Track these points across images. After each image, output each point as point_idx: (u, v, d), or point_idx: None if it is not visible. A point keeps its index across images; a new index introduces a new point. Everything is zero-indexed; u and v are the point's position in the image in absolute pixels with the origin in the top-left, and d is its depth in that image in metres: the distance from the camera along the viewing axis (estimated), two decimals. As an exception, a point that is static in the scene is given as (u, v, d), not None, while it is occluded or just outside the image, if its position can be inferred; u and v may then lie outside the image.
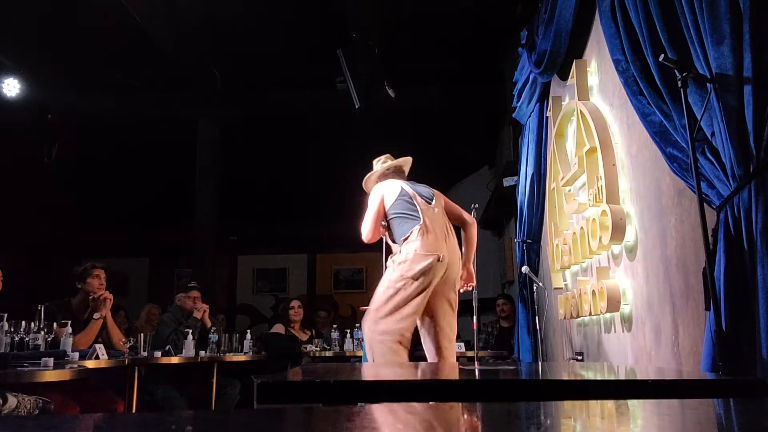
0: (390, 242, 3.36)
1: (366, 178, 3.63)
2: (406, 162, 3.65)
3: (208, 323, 4.78)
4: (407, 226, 3.19)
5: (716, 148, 1.93)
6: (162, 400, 4.27)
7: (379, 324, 3.00)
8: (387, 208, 3.31)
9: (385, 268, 3.27)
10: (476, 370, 1.76)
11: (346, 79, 5.66)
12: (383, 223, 3.36)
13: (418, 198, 3.31)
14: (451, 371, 1.74)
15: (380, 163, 3.64)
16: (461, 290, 3.42)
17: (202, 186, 6.83)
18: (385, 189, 3.37)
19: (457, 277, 3.23)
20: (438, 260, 3.06)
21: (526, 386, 1.33)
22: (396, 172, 3.57)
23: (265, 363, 5.06)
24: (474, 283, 3.51)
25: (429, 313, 3.17)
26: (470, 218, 3.58)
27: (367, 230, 3.31)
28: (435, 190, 3.50)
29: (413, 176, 3.65)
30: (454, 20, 5.66)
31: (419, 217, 3.19)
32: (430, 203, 3.34)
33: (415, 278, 3.01)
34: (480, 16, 5.56)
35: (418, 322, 3.20)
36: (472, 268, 3.49)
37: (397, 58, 5.95)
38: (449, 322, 3.22)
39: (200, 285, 5.13)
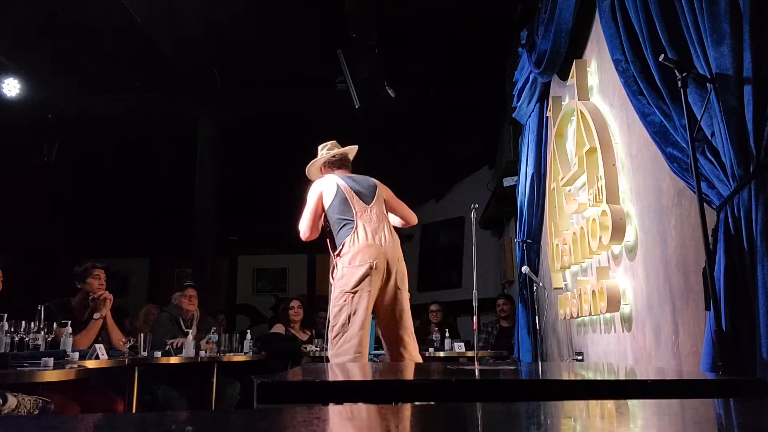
0: (330, 250, 3.31)
1: (309, 165, 3.55)
2: (352, 150, 3.58)
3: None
4: (341, 236, 3.16)
5: (716, 148, 1.93)
6: (162, 400, 4.27)
7: (335, 346, 3.01)
8: (326, 207, 3.26)
9: (330, 285, 3.25)
10: (476, 370, 1.76)
11: (346, 79, 5.66)
12: (323, 224, 3.33)
13: (355, 199, 3.25)
14: (451, 372, 1.74)
15: (326, 150, 3.54)
16: None
17: (202, 186, 6.83)
18: (323, 186, 3.30)
19: (401, 275, 3.18)
20: (372, 268, 3.04)
21: (526, 386, 1.33)
22: (341, 162, 3.49)
23: (265, 363, 5.06)
24: None
25: (380, 315, 3.17)
26: (414, 220, 3.59)
27: (304, 228, 3.27)
28: (378, 183, 3.42)
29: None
30: (454, 20, 5.66)
31: (353, 223, 3.16)
32: (368, 203, 3.27)
33: (353, 292, 3.02)
34: (480, 16, 5.56)
35: (376, 328, 3.24)
36: None
37: (396, 58, 5.95)
38: (404, 319, 3.18)
39: (200, 285, 5.12)
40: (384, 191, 3.43)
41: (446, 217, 8.67)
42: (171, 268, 9.47)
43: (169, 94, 6.94)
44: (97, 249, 7.04)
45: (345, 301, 3.02)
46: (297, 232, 3.38)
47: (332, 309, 3.07)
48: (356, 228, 3.13)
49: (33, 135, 7.12)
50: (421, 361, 3.39)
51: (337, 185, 3.26)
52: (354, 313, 2.99)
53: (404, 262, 3.25)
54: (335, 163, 3.50)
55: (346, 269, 3.06)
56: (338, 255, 3.13)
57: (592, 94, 3.41)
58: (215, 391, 4.49)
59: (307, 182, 3.55)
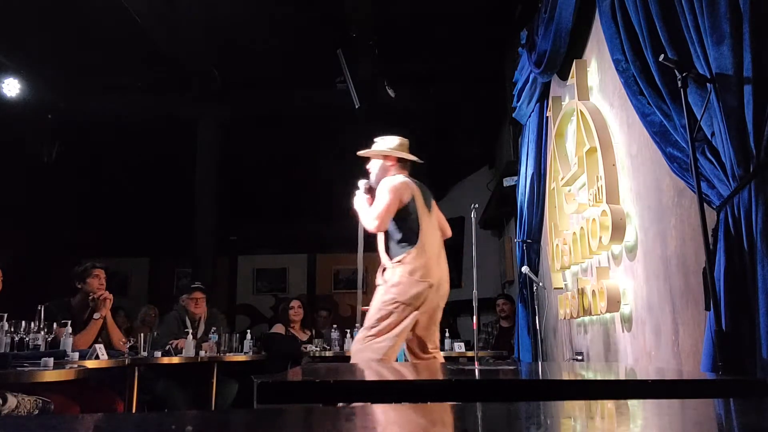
0: (384, 250, 3.24)
1: (378, 151, 3.40)
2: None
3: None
4: (404, 244, 3.14)
5: (716, 148, 1.93)
6: (161, 400, 4.27)
7: (367, 343, 3.02)
8: (404, 206, 3.19)
9: (379, 283, 3.21)
10: (476, 370, 1.76)
11: (346, 79, 5.66)
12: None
13: (423, 210, 3.24)
14: (451, 371, 1.74)
15: (398, 144, 3.42)
16: None
17: (202, 186, 6.84)
18: (404, 188, 3.22)
19: (445, 296, 3.24)
20: (430, 287, 3.08)
21: (526, 386, 1.33)
22: (409, 166, 3.43)
23: (265, 363, 5.06)
24: None
25: (416, 330, 3.19)
26: (449, 233, 3.52)
27: (379, 221, 3.13)
28: (426, 188, 3.41)
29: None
30: (454, 20, 5.66)
31: (417, 235, 3.15)
32: (430, 216, 3.28)
33: (407, 303, 3.04)
34: (480, 16, 5.56)
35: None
36: None
37: (397, 58, 5.95)
38: (434, 336, 3.29)
39: (201, 285, 5.12)
40: (435, 203, 3.45)
41: (446, 217, 8.64)
42: (171, 268, 9.46)
43: (169, 94, 6.94)
44: (97, 249, 7.04)
45: (396, 308, 3.03)
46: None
47: (377, 311, 3.06)
48: (421, 241, 3.14)
49: (33, 135, 7.12)
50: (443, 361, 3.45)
51: (413, 193, 3.23)
52: (399, 323, 3.02)
53: None
54: (407, 166, 3.42)
55: (405, 279, 3.06)
56: (399, 262, 3.11)
57: (592, 94, 3.41)
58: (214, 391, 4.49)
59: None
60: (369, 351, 2.99)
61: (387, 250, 3.22)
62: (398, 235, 3.18)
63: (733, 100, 1.81)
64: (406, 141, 3.47)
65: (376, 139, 3.47)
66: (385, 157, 3.40)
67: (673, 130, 2.17)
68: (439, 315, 3.26)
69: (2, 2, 4.99)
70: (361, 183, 3.40)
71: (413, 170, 3.45)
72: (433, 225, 3.29)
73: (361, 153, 3.45)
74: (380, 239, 3.25)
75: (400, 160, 3.39)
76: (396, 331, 3.01)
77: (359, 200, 3.35)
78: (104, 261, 3.90)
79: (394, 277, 3.10)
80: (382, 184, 3.23)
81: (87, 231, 8.25)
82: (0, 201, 6.44)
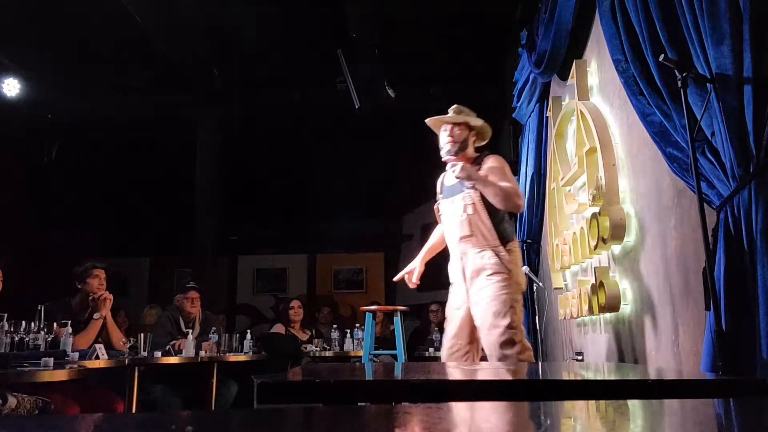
0: (492, 232, 2.87)
1: (479, 121, 3.09)
2: None
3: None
4: (509, 228, 2.94)
5: (716, 148, 1.93)
6: (161, 400, 4.27)
7: (519, 343, 2.75)
8: None
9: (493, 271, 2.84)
10: (476, 370, 1.76)
11: (346, 79, 5.66)
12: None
13: None
14: (451, 371, 1.74)
15: (483, 123, 3.11)
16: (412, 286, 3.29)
17: (202, 186, 6.84)
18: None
19: None
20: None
21: (526, 386, 1.33)
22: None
23: (265, 363, 5.06)
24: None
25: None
26: None
27: (521, 199, 2.92)
28: None
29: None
30: (454, 20, 5.66)
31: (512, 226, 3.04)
32: None
33: (523, 293, 2.92)
34: (480, 16, 5.56)
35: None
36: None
37: (397, 58, 5.95)
38: None
39: (200, 285, 5.12)
40: None
41: (446, 217, 8.65)
42: (171, 268, 9.46)
43: (169, 94, 6.94)
44: (97, 249, 7.03)
45: (522, 296, 2.87)
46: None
47: (511, 302, 2.76)
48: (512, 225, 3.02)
49: (33, 135, 7.12)
50: None
51: None
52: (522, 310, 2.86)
53: None
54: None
55: (517, 269, 2.86)
56: (510, 249, 2.88)
57: (592, 94, 3.41)
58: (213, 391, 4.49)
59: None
60: (522, 354, 2.71)
61: (501, 234, 2.88)
62: (504, 218, 2.94)
63: (733, 100, 1.81)
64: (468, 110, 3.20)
65: (458, 108, 3.14)
66: (467, 128, 3.07)
67: (673, 130, 2.17)
68: None
69: (3, 3, 4.99)
70: (446, 153, 3.05)
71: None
72: None
73: (437, 119, 3.08)
74: (486, 222, 2.86)
75: (478, 135, 3.13)
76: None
77: (474, 172, 2.90)
78: (104, 261, 3.90)
79: (512, 263, 2.85)
80: (491, 160, 2.94)
81: (87, 231, 8.25)
82: (0, 201, 6.44)
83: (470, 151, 3.07)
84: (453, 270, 3.03)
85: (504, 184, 2.84)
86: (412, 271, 3.26)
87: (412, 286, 3.27)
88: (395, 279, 3.33)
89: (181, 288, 4.96)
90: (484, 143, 3.17)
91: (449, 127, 3.05)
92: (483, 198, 2.85)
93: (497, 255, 2.85)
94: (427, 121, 3.10)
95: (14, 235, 6.96)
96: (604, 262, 3.21)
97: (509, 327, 2.73)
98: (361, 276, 9.50)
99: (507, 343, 2.71)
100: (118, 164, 7.88)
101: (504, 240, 2.87)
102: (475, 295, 2.85)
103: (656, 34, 2.22)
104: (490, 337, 2.75)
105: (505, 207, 2.85)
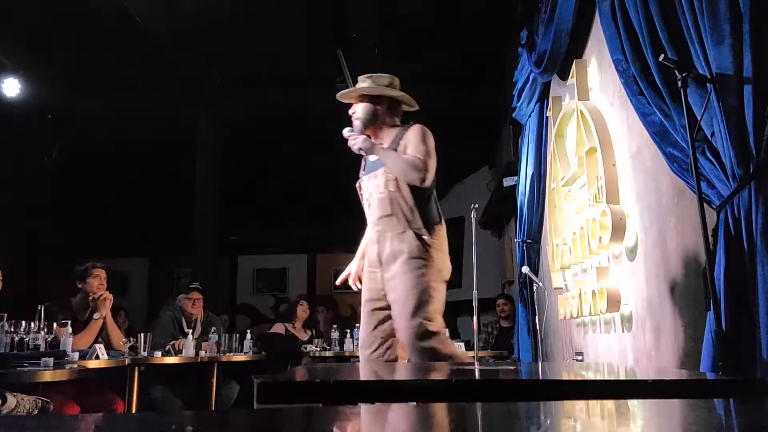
0: (413, 212, 2.61)
1: (374, 89, 2.76)
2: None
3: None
4: (434, 209, 2.66)
5: (716, 148, 1.93)
6: (161, 400, 4.27)
7: (435, 336, 2.50)
8: None
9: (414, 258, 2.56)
10: (476, 370, 1.76)
11: (346, 79, 5.66)
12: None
13: None
14: (451, 371, 1.74)
15: (387, 84, 2.79)
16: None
17: (202, 186, 6.84)
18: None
19: None
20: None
21: (526, 386, 1.33)
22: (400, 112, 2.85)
23: (265, 363, 5.07)
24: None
25: None
26: None
27: (432, 171, 2.59)
28: None
29: None
30: (454, 20, 5.66)
31: (438, 208, 2.72)
32: None
33: (445, 281, 2.63)
34: (480, 16, 5.56)
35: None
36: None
37: (397, 58, 5.95)
38: None
39: (200, 285, 5.13)
40: None
41: (446, 217, 8.65)
42: (171, 268, 9.48)
43: (169, 94, 6.94)
44: (97, 249, 7.04)
45: (442, 285, 2.58)
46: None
47: (428, 291, 2.51)
48: (439, 207, 2.67)
49: (33, 135, 7.12)
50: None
51: None
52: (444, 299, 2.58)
53: None
54: (400, 108, 2.83)
55: (442, 255, 2.58)
56: (434, 231, 2.60)
57: (592, 94, 3.41)
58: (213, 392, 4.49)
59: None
60: (441, 344, 2.49)
61: (424, 214, 2.62)
62: (432, 198, 2.66)
63: (733, 100, 1.81)
64: (397, 79, 2.85)
65: (360, 78, 2.83)
66: (374, 98, 2.76)
67: (673, 130, 2.17)
68: None
69: (3, 3, 4.99)
70: (347, 131, 2.77)
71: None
72: None
73: (346, 93, 2.82)
74: (408, 200, 2.60)
75: (393, 102, 2.79)
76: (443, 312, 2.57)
77: (369, 143, 2.66)
78: (104, 261, 3.90)
79: (434, 249, 2.58)
80: (412, 130, 2.66)
81: (87, 231, 8.25)
82: (0, 201, 6.44)
83: (387, 121, 2.76)
84: (369, 254, 2.72)
85: (408, 155, 2.56)
86: (355, 272, 2.89)
87: (356, 288, 2.86)
88: (338, 282, 2.97)
89: (183, 288, 4.97)
90: (413, 109, 2.85)
91: (353, 104, 2.80)
92: None
93: (419, 238, 2.55)
94: (341, 98, 2.85)
95: (14, 234, 6.96)
96: (604, 262, 3.21)
97: (426, 318, 2.48)
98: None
99: (423, 335, 2.46)
100: (118, 164, 7.88)
101: (428, 222, 2.59)
102: (391, 281, 2.57)
103: (656, 34, 2.22)
104: (406, 329, 2.50)
105: (406, 179, 2.56)
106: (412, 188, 2.57)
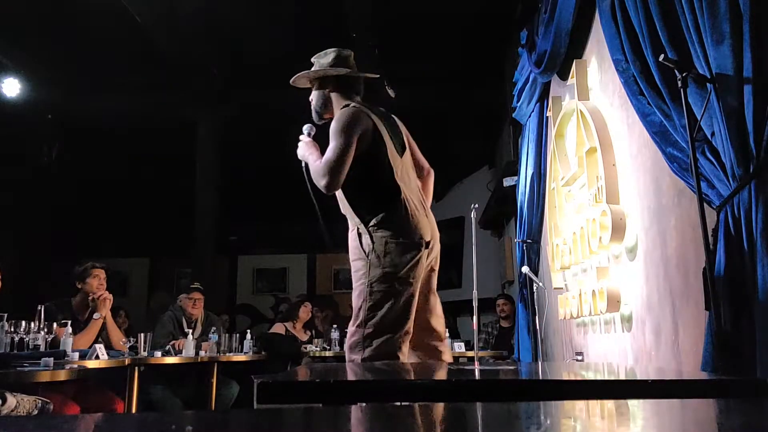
0: (351, 211, 2.37)
1: (310, 72, 2.51)
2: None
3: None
4: (379, 197, 2.30)
5: (716, 148, 1.93)
6: (161, 400, 4.27)
7: (367, 347, 2.20)
8: (366, 147, 2.30)
9: (358, 260, 2.32)
10: (476, 370, 1.76)
11: (346, 79, 5.66)
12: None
13: (390, 145, 2.34)
14: (451, 371, 1.74)
15: (331, 60, 2.48)
16: None
17: (202, 186, 6.84)
18: (359, 121, 2.31)
19: (438, 256, 2.45)
20: (425, 248, 2.29)
21: (526, 386, 1.33)
22: (359, 86, 2.53)
23: (265, 363, 5.07)
24: None
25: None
26: (427, 166, 2.64)
27: (333, 175, 2.23)
28: (399, 122, 2.52)
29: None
30: (454, 20, 5.66)
31: (392, 182, 2.29)
32: (401, 153, 2.39)
33: (403, 278, 2.22)
34: (480, 16, 5.56)
35: None
36: None
37: (397, 58, 5.95)
38: (437, 306, 2.48)
39: (200, 285, 5.13)
40: (407, 133, 2.54)
41: (446, 217, 8.68)
42: (171, 268, 9.48)
43: (169, 94, 6.94)
44: (97, 249, 7.04)
45: (390, 287, 2.21)
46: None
47: (365, 295, 2.24)
48: (402, 192, 2.30)
49: (33, 135, 7.12)
50: (451, 359, 2.70)
51: (373, 123, 2.33)
52: (403, 308, 2.22)
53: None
54: (356, 86, 2.51)
55: (391, 246, 2.23)
56: (379, 224, 2.27)
57: (592, 94, 3.41)
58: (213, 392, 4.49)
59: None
60: (383, 355, 2.18)
61: (356, 209, 2.34)
62: (368, 188, 2.33)
63: (733, 100, 1.81)
64: (348, 52, 2.55)
65: (312, 60, 2.58)
66: (322, 81, 2.51)
67: (673, 130, 2.17)
68: (434, 282, 2.47)
69: (3, 3, 4.99)
70: (306, 127, 2.57)
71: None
72: (408, 165, 2.44)
73: (292, 81, 2.62)
74: (342, 197, 2.41)
75: (342, 81, 2.48)
76: (402, 316, 2.23)
77: (305, 150, 2.46)
78: (104, 261, 3.90)
79: (376, 245, 2.26)
80: (333, 122, 2.37)
81: (87, 231, 8.26)
82: (0, 201, 6.44)
83: (343, 103, 2.46)
84: None
85: (316, 162, 2.32)
86: None
87: None
88: None
89: (184, 288, 4.97)
90: (374, 77, 2.64)
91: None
92: None
93: (358, 236, 2.32)
94: (294, 85, 2.66)
95: (14, 234, 6.96)
96: (604, 262, 3.21)
97: (359, 326, 2.23)
98: (361, 276, 9.51)
99: (354, 346, 2.22)
100: (118, 164, 7.88)
101: (365, 217, 2.30)
102: None
103: (656, 34, 2.22)
104: (347, 339, 2.29)
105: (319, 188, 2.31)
106: (346, 182, 2.27)
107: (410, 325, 2.26)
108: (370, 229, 2.29)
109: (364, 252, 2.28)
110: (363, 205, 2.34)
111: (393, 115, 2.55)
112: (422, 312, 2.39)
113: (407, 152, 2.46)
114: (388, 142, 2.35)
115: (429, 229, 2.34)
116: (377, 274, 2.24)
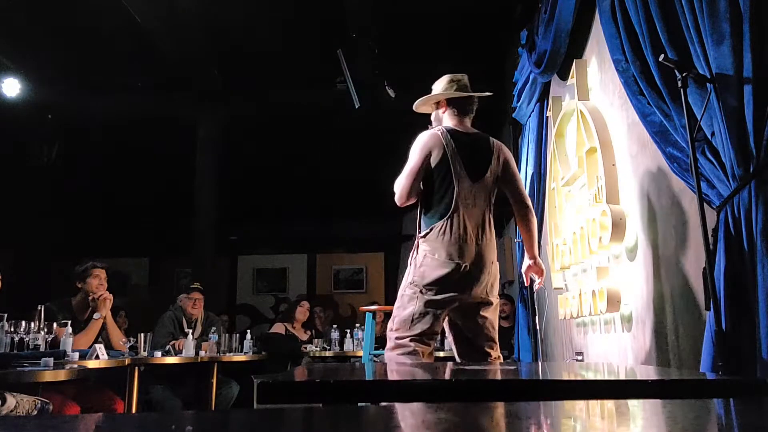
0: (418, 223, 2.70)
1: (424, 99, 2.86)
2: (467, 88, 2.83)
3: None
4: (432, 214, 2.58)
5: (716, 148, 1.93)
6: (161, 400, 4.27)
7: (393, 343, 2.55)
8: (433, 166, 2.60)
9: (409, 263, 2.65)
10: (476, 370, 1.76)
11: (346, 79, 5.66)
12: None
13: (460, 166, 2.59)
14: (451, 371, 1.74)
15: (444, 85, 2.81)
16: (535, 287, 2.97)
17: (202, 186, 6.84)
18: (429, 145, 2.62)
19: (484, 287, 2.58)
20: (461, 270, 2.49)
21: (526, 386, 1.33)
22: (463, 107, 2.79)
23: (264, 363, 5.07)
24: (543, 277, 2.87)
25: (455, 329, 2.68)
26: (525, 201, 2.85)
27: (401, 190, 2.62)
28: (498, 146, 2.76)
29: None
30: (454, 20, 5.66)
31: (450, 203, 2.54)
32: (478, 179, 2.61)
33: (427, 288, 2.50)
34: (480, 16, 5.56)
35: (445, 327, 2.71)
36: (540, 260, 2.84)
37: (397, 58, 5.95)
38: (484, 335, 2.63)
39: (200, 285, 5.13)
40: (504, 160, 2.74)
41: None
42: (171, 268, 9.47)
43: (169, 94, 6.94)
44: (97, 249, 7.04)
45: (413, 294, 2.52)
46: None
47: (400, 297, 2.59)
48: (456, 211, 2.54)
49: (33, 135, 7.13)
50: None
51: (443, 148, 2.61)
52: (420, 314, 2.50)
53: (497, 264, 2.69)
54: (465, 106, 2.80)
55: (429, 259, 2.51)
56: (424, 237, 2.57)
57: (592, 94, 3.41)
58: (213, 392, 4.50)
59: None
60: (396, 351, 2.51)
61: (419, 220, 2.67)
62: (427, 204, 2.62)
63: (733, 100, 1.81)
64: (460, 76, 2.85)
65: (432, 86, 2.89)
66: (437, 103, 2.84)
67: (673, 130, 2.17)
68: (483, 311, 2.60)
69: (3, 3, 4.99)
70: None
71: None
72: (480, 189, 2.62)
73: (415, 107, 2.93)
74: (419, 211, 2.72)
75: (451, 103, 2.78)
76: (417, 327, 2.49)
77: None
78: (104, 261, 3.90)
79: (417, 254, 2.57)
80: None
81: (87, 231, 8.26)
82: (0, 201, 6.44)
83: (444, 123, 2.83)
84: None
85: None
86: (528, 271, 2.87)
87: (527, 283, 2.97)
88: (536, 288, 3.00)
89: (185, 288, 4.97)
90: (487, 95, 2.99)
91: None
92: None
93: (415, 248, 2.63)
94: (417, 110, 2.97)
95: (15, 234, 6.96)
96: (604, 262, 3.21)
97: (390, 321, 2.60)
98: (361, 276, 9.50)
99: (387, 338, 2.59)
100: (118, 164, 7.88)
101: (421, 229, 2.62)
102: None
103: (656, 34, 2.22)
104: None
105: None
106: (418, 200, 2.68)
107: (427, 330, 2.51)
108: (420, 240, 2.60)
109: (412, 258, 2.61)
110: (422, 217, 2.66)
111: (494, 141, 2.80)
112: (469, 337, 2.63)
113: (487, 178, 2.67)
114: (456, 164, 2.60)
115: (471, 255, 2.53)
116: (410, 280, 2.57)
